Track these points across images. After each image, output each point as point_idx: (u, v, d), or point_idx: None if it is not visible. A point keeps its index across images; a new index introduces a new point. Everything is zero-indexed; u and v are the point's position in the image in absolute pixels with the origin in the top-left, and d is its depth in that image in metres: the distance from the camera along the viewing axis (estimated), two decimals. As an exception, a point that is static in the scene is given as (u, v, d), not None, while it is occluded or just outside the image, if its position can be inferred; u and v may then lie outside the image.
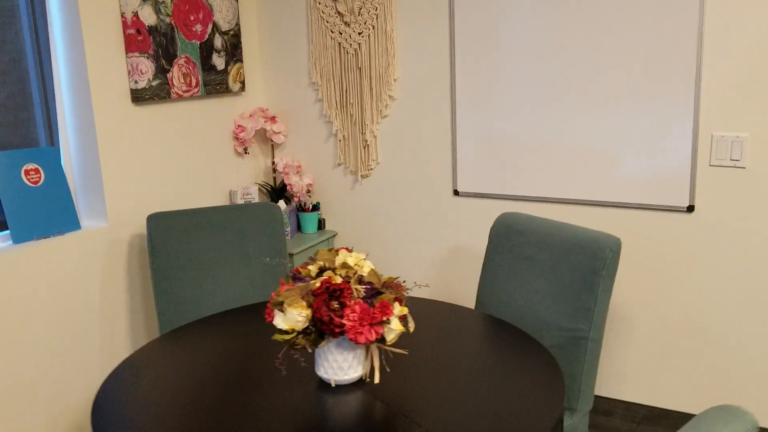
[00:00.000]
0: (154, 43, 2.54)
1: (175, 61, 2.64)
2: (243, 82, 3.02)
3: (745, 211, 2.40)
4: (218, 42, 2.85)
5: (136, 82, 2.49)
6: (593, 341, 2.01)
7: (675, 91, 2.40)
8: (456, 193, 2.88)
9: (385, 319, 1.55)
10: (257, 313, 2.10)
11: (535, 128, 2.66)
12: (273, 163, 3.20)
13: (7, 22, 2.14)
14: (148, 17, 2.51)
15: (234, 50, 2.95)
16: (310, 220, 3.12)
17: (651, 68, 2.42)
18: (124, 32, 2.43)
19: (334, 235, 3.17)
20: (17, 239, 2.23)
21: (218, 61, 2.86)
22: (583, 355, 2.01)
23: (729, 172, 2.40)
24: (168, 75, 2.61)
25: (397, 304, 1.59)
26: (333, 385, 1.64)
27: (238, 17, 2.96)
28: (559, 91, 2.59)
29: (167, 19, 2.59)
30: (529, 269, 2.19)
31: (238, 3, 2.97)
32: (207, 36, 2.79)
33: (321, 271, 1.66)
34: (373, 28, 2.85)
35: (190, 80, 2.72)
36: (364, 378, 1.68)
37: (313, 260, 1.73)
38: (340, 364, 1.64)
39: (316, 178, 3.16)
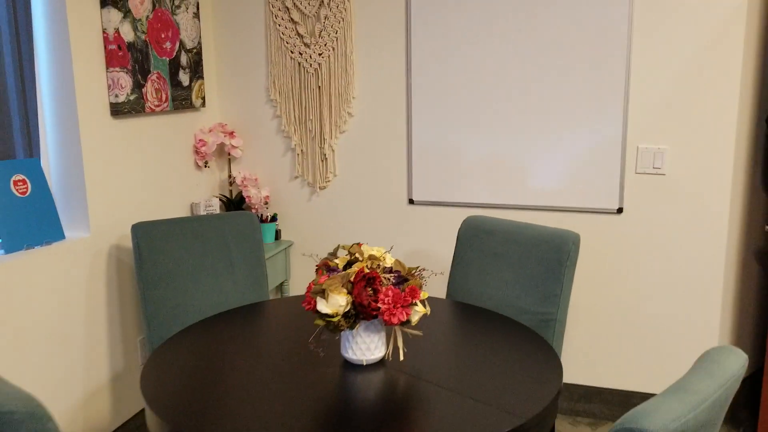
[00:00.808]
0: (132, 58, 2.63)
1: (149, 76, 2.73)
2: (204, 98, 3.14)
3: (665, 212, 2.82)
4: (184, 59, 2.96)
5: (116, 96, 2.56)
6: (560, 322, 2.32)
7: (606, 110, 2.80)
8: (411, 201, 3.13)
9: (413, 302, 1.77)
10: (261, 312, 2.24)
11: (483, 141, 2.97)
12: (230, 176, 3.32)
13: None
14: (127, 34, 2.59)
15: (197, 67, 3.06)
16: (268, 231, 3.26)
17: (586, 90, 2.81)
18: (105, 48, 2.50)
19: (291, 245, 3.33)
20: (8, 249, 2.24)
21: (183, 78, 2.97)
22: (552, 334, 2.31)
23: (652, 178, 2.82)
24: (143, 90, 2.70)
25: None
26: (364, 363, 1.83)
27: (200, 35, 3.08)
28: (504, 108, 2.92)
29: (143, 36, 2.68)
30: (498, 264, 2.47)
31: (200, 22, 3.10)
32: (175, 53, 2.89)
33: (349, 263, 1.85)
34: (333, 49, 3.07)
35: (161, 95, 2.82)
36: (386, 357, 1.88)
37: (334, 255, 1.92)
38: (368, 346, 1.83)
39: (273, 190, 3.31)
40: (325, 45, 3.07)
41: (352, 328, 1.76)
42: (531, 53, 2.84)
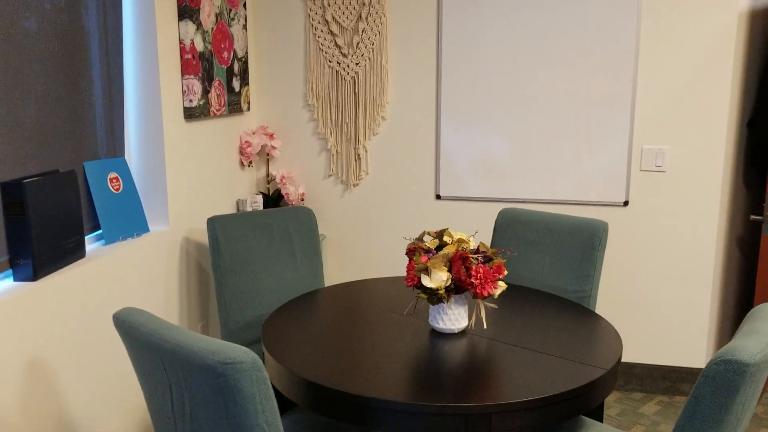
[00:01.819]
0: (202, 67, 2.88)
1: (213, 83, 2.98)
2: (249, 103, 3.40)
3: (666, 204, 3.24)
4: (236, 67, 3.21)
5: (190, 101, 2.81)
6: (593, 299, 2.70)
7: (616, 115, 3.20)
8: (438, 197, 3.47)
9: (499, 277, 2.11)
10: (343, 292, 2.54)
11: (504, 142, 3.33)
12: (268, 174, 3.58)
13: (78, 46, 2.37)
14: (199, 44, 2.84)
15: (244, 74, 3.32)
16: (304, 225, 3.54)
17: (599, 98, 3.20)
18: (182, 57, 2.75)
19: (324, 238, 3.62)
20: (108, 240, 2.47)
21: (235, 84, 3.22)
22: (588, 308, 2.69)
23: (654, 175, 3.24)
24: (209, 95, 2.95)
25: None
26: (457, 332, 2.16)
27: (247, 45, 3.34)
28: (525, 112, 3.29)
29: (209, 46, 2.93)
30: (535, 250, 2.83)
31: (248, 32, 3.35)
32: (230, 62, 3.15)
33: (439, 246, 2.17)
34: (369, 59, 3.38)
35: (221, 100, 3.07)
36: (470, 327, 2.21)
37: (420, 240, 2.24)
38: (456, 317, 2.16)
39: (308, 188, 3.59)
40: (362, 55, 3.38)
41: (448, 299, 2.09)
42: (550, 64, 3.22)
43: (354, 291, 2.58)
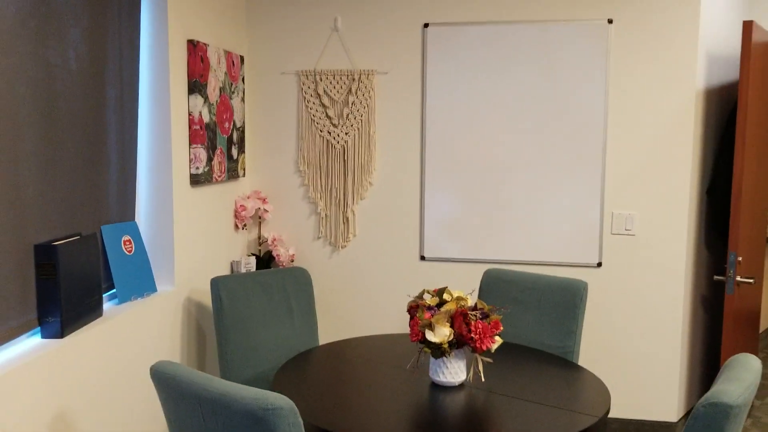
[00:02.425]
0: (207, 137, 3.06)
1: (215, 151, 3.16)
2: (244, 169, 3.58)
3: (636, 265, 3.49)
4: (235, 136, 3.41)
5: (197, 168, 2.97)
6: (576, 353, 2.89)
7: (588, 182, 3.47)
8: (423, 258, 3.66)
9: (497, 332, 2.29)
10: (344, 349, 2.68)
11: (486, 206, 3.56)
12: (260, 237, 3.73)
13: (99, 116, 2.52)
14: (205, 116, 3.03)
15: (241, 143, 3.51)
16: (294, 286, 3.68)
17: (572, 168, 3.48)
18: (190, 127, 2.93)
19: (313, 298, 3.76)
20: (121, 300, 2.58)
21: (234, 152, 3.41)
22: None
23: (624, 238, 3.50)
24: (212, 163, 3.12)
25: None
26: (457, 384, 2.32)
27: (244, 116, 3.54)
28: (503, 182, 3.54)
29: (213, 118, 3.12)
30: (518, 308, 3.03)
31: (245, 104, 3.56)
32: (230, 131, 3.34)
33: (440, 303, 2.35)
34: (358, 129, 3.61)
35: (222, 167, 3.24)
36: (468, 379, 2.38)
37: (421, 298, 2.42)
38: (456, 371, 2.32)
39: (298, 249, 3.75)
40: (351, 125, 3.61)
41: (449, 353, 2.26)
42: (526, 137, 3.49)
43: (352, 347, 2.73)
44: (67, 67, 2.26)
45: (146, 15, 2.77)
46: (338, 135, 3.63)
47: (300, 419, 1.64)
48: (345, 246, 3.72)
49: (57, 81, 2.21)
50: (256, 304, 2.96)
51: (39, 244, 2.11)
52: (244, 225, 3.61)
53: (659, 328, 3.50)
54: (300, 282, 3.12)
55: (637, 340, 3.53)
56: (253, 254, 3.70)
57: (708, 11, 3.42)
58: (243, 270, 3.51)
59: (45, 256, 2.10)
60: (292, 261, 3.71)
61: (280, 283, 3.07)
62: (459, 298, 2.36)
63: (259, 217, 3.70)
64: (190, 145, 2.94)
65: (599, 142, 3.44)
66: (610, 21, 3.37)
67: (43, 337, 2.14)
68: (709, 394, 1.70)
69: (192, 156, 2.95)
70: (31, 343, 2.10)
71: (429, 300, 2.38)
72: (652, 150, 3.41)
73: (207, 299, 3.20)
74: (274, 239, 3.66)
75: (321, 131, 3.65)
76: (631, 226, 3.48)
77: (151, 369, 1.80)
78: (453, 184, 3.59)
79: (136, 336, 2.56)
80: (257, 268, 3.66)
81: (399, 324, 3.72)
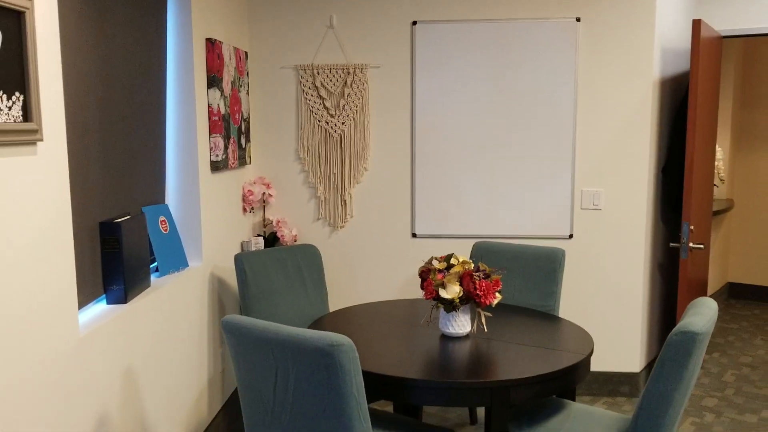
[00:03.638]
0: (224, 127, 3.37)
1: (229, 140, 3.47)
2: (250, 157, 3.89)
3: (602, 236, 3.94)
4: (243, 126, 3.72)
5: (216, 156, 3.29)
6: (556, 311, 3.32)
7: (560, 164, 3.90)
8: (414, 235, 4.04)
9: (498, 289, 2.69)
10: (360, 312, 3.05)
11: (470, 187, 3.96)
12: (264, 219, 4.05)
13: (136, 108, 2.81)
14: (222, 108, 3.34)
15: (248, 133, 3.83)
16: (297, 263, 4.01)
17: (547, 150, 3.90)
18: (210, 118, 3.24)
19: (313, 274, 4.10)
20: (162, 273, 2.89)
21: (243, 141, 3.72)
22: (552, 321, 3.30)
23: (592, 212, 3.94)
24: (228, 151, 3.43)
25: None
26: (464, 335, 2.71)
27: (249, 108, 3.86)
28: (486, 162, 3.94)
29: (228, 110, 3.43)
30: (507, 274, 3.44)
31: (249, 96, 3.87)
32: (240, 122, 3.65)
33: (448, 267, 2.73)
34: (354, 119, 3.96)
35: (235, 155, 3.56)
36: (473, 331, 2.77)
37: (430, 264, 2.80)
38: (463, 323, 2.72)
39: (299, 230, 4.09)
40: (347, 116, 3.96)
41: (459, 308, 2.65)
42: (505, 123, 3.90)
43: (363, 311, 3.09)
44: (114, 67, 2.55)
45: (171, 16, 3.06)
46: (335, 124, 3.98)
47: (357, 354, 2.00)
48: (343, 226, 4.07)
49: (111, 81, 2.51)
50: (275, 277, 3.30)
51: (104, 221, 2.41)
52: (252, 208, 3.93)
53: (623, 291, 3.96)
54: (311, 257, 3.47)
55: (603, 301, 3.98)
56: (259, 235, 4.03)
57: (662, 11, 3.88)
58: (253, 249, 3.82)
59: (110, 232, 2.40)
60: (295, 241, 4.04)
61: (294, 259, 3.41)
62: (464, 262, 2.75)
63: (264, 201, 4.02)
64: (210, 134, 3.25)
65: (570, 127, 3.87)
66: (578, 19, 3.80)
67: (109, 303, 2.44)
68: (679, 325, 2.13)
69: (212, 144, 3.26)
70: (99, 308, 2.40)
71: (437, 265, 2.77)
72: (615, 134, 3.86)
73: (225, 274, 3.52)
74: (278, 221, 3.98)
75: (319, 121, 3.98)
76: (598, 201, 3.93)
77: (223, 321, 2.14)
78: (440, 167, 3.97)
79: (178, 303, 2.87)
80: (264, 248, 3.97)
81: (394, 294, 4.10)
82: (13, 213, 1.71)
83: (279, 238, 3.99)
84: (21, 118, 1.73)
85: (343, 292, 4.12)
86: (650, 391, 2.17)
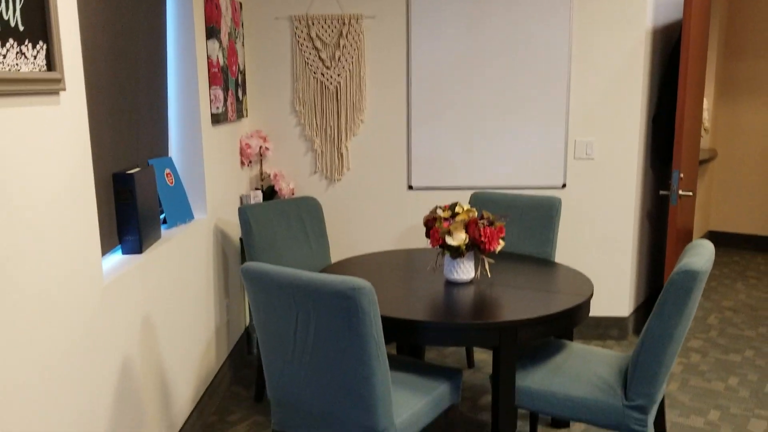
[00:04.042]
0: (222, 78, 3.37)
1: (228, 93, 3.47)
2: (247, 110, 3.89)
3: (594, 185, 4.03)
4: (239, 79, 3.71)
5: (217, 108, 3.29)
6: (553, 257, 3.42)
7: (554, 114, 3.96)
8: (410, 187, 4.10)
9: (502, 236, 2.77)
10: (366, 261, 3.11)
11: (466, 139, 4.02)
12: (261, 172, 4.08)
13: (138, 63, 2.81)
14: (221, 60, 3.33)
15: (244, 85, 3.82)
16: (295, 216, 4.06)
17: (541, 102, 3.95)
18: (209, 70, 3.23)
19: (311, 227, 4.15)
20: (170, 224, 2.92)
21: (240, 94, 3.72)
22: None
23: (585, 162, 4.02)
24: (227, 103, 3.44)
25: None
26: (468, 281, 2.79)
27: (245, 60, 3.84)
28: (482, 114, 3.99)
29: (226, 61, 3.42)
30: (505, 223, 3.52)
31: (245, 48, 3.86)
32: (237, 74, 3.64)
33: (453, 215, 2.80)
34: (349, 71, 3.97)
35: (233, 107, 3.56)
36: (477, 277, 2.86)
37: (435, 212, 2.86)
38: (467, 269, 2.80)
39: (297, 183, 4.12)
40: (343, 67, 3.96)
41: (464, 254, 2.73)
42: (502, 74, 3.94)
43: (366, 260, 3.17)
44: (118, 18, 2.54)
45: (169, -33, 3.03)
46: (331, 77, 3.99)
47: (376, 297, 2.07)
48: (339, 179, 4.12)
49: (115, 33, 2.50)
50: (278, 228, 3.35)
51: (117, 173, 2.43)
52: (249, 162, 3.95)
53: (613, 238, 4.08)
54: (312, 209, 3.51)
55: (595, 248, 4.10)
56: (257, 189, 4.06)
57: (654, -40, 3.91)
58: (252, 202, 3.86)
59: (123, 183, 2.43)
60: (293, 194, 4.08)
61: (296, 211, 3.46)
62: (469, 210, 2.82)
63: (261, 155, 4.04)
64: (210, 87, 3.24)
65: (564, 77, 3.92)
66: (572, -31, 3.82)
67: (124, 253, 2.48)
68: (680, 265, 2.23)
69: (212, 97, 3.26)
70: (116, 258, 2.44)
71: (442, 214, 2.83)
72: (609, 84, 3.92)
73: (227, 227, 3.56)
74: (276, 174, 4.01)
75: (315, 73, 3.99)
76: (590, 151, 4.00)
77: (243, 268, 2.19)
78: (436, 119, 4.01)
79: (187, 255, 2.91)
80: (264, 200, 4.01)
81: (391, 245, 4.18)
82: (40, 162, 1.73)
83: (277, 192, 4.03)
84: (45, 67, 1.74)
85: (341, 244, 4.19)
86: (652, 327, 2.28)
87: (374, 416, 2.16)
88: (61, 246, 1.84)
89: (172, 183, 3.00)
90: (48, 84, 1.75)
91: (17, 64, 1.62)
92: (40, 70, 1.72)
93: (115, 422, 2.17)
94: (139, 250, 2.47)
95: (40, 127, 1.74)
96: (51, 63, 1.76)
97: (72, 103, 1.91)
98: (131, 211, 2.45)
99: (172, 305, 2.73)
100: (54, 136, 1.81)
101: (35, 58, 1.70)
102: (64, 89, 1.83)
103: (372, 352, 2.09)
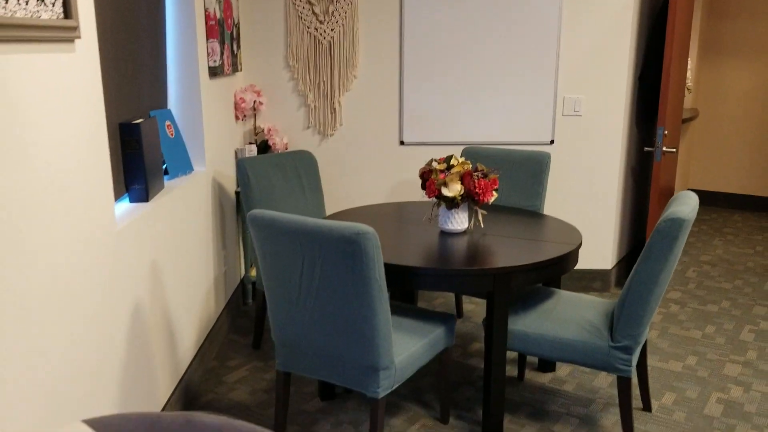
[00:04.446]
0: (219, 32, 3.39)
1: (224, 46, 3.50)
2: (241, 64, 3.92)
3: (581, 142, 4.14)
4: (234, 32, 3.73)
5: (214, 61, 3.33)
6: (540, 211, 3.53)
7: (543, 71, 4.04)
8: (402, 143, 4.18)
9: (495, 187, 2.87)
10: (355, 215, 3.21)
11: (456, 95, 4.09)
12: (255, 127, 4.13)
13: (138, 14, 2.83)
14: (217, 12, 3.36)
15: (238, 39, 3.84)
16: (288, 170, 4.12)
17: (531, 57, 4.02)
18: (207, 23, 3.26)
19: (304, 181, 4.22)
20: (172, 175, 2.98)
21: (234, 47, 3.75)
22: (537, 219, 3.52)
23: (573, 119, 4.12)
24: (223, 56, 3.47)
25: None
26: (462, 231, 2.90)
27: (239, 13, 3.86)
28: (473, 70, 4.06)
29: (222, 14, 3.44)
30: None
31: (238, 2, 3.87)
32: (232, 28, 3.67)
33: (448, 167, 2.89)
34: (343, 26, 4.00)
35: (229, 61, 3.59)
36: (470, 227, 2.97)
37: (430, 165, 2.95)
38: (461, 220, 2.90)
39: (291, 138, 4.18)
40: (336, 22, 3.99)
41: (459, 204, 2.83)
42: (492, 32, 3.99)
43: (360, 213, 3.26)
44: (126, -32, 2.56)
45: None
46: (324, 31, 4.02)
47: (379, 242, 2.17)
48: (332, 134, 4.18)
49: (121, -20, 2.52)
50: (275, 181, 3.42)
51: (123, 122, 2.49)
52: (244, 116, 3.99)
53: (599, 193, 4.20)
54: (308, 163, 3.58)
55: (580, 203, 4.22)
56: (251, 143, 4.11)
57: None
58: (247, 156, 3.91)
59: (130, 133, 2.48)
60: (286, 149, 4.14)
61: (292, 164, 3.53)
62: (464, 163, 2.91)
63: (255, 109, 4.09)
64: (207, 39, 3.27)
65: (554, 36, 3.99)
66: (564, -74, 3.86)
67: (131, 201, 2.54)
68: (667, 213, 2.35)
69: (209, 50, 3.29)
70: (123, 206, 2.50)
71: (438, 166, 2.92)
72: (598, 42, 4.00)
73: (223, 179, 3.62)
74: (270, 129, 4.06)
75: (308, 28, 4.02)
76: (578, 108, 4.10)
77: (249, 215, 2.28)
78: (428, 75, 4.07)
79: (188, 205, 2.98)
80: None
81: (383, 200, 4.27)
82: (57, 109, 1.79)
83: (270, 146, 4.08)
84: (62, 15, 1.79)
85: (334, 197, 4.27)
86: (639, 272, 2.41)
87: (376, 355, 2.28)
88: (78, 191, 1.90)
89: (172, 135, 3.05)
90: (65, 32, 1.79)
91: (38, 11, 1.66)
92: (57, 18, 1.76)
93: (128, 361, 2.26)
94: (145, 198, 2.54)
95: (57, 74, 1.79)
96: (67, 11, 1.81)
97: (86, 52, 1.96)
98: (138, 160, 2.51)
99: (175, 253, 2.81)
100: (70, 84, 1.86)
101: (53, 5, 1.74)
102: (80, 37, 1.87)
103: (375, 294, 2.19)
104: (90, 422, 1.78)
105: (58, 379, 1.77)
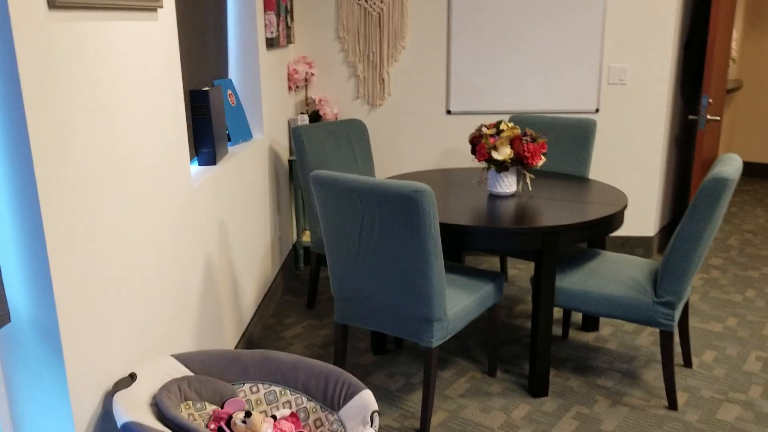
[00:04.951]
0: (275, 4, 3.54)
1: (279, 18, 3.65)
2: (294, 36, 4.07)
3: (626, 110, 4.20)
4: (289, 5, 3.88)
5: (271, 33, 3.48)
6: (586, 175, 3.63)
7: (590, 42, 4.10)
8: (449, 112, 4.29)
9: (544, 151, 2.98)
10: (420, 176, 3.35)
11: (503, 66, 4.18)
12: (306, 97, 4.28)
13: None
14: (274, -14, 3.50)
15: (292, 11, 3.99)
16: (338, 139, 4.27)
17: (577, 29, 4.09)
18: (264, -4, 3.40)
19: (353, 150, 4.37)
20: (234, 141, 3.16)
21: (288, 20, 3.89)
22: (582, 185, 3.62)
23: (618, 87, 4.18)
24: (279, 28, 3.62)
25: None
26: (510, 194, 3.02)
27: (292, -12, 4.00)
28: (521, 41, 4.14)
29: (278, -12, 3.59)
30: (540, 144, 3.72)
31: (292, -23, 4.01)
32: (287, 0, 3.81)
33: (498, 131, 3.01)
34: (391, -2, 4.12)
35: (283, 33, 3.74)
36: (519, 190, 3.09)
37: (480, 130, 3.07)
38: (510, 183, 3.02)
39: (340, 108, 4.33)
40: (385, -5, 4.11)
41: (510, 168, 2.95)
42: (539, 3, 4.07)
43: (411, 177, 3.40)
44: (194, -57, 2.71)
45: None
46: (374, 3, 4.14)
47: (435, 200, 2.31)
48: (381, 104, 4.31)
49: (190, -45, 2.68)
50: (328, 148, 3.58)
51: (193, 90, 2.66)
52: (296, 87, 4.15)
53: (643, 161, 4.27)
54: (359, 131, 3.73)
55: (625, 171, 4.30)
56: (303, 113, 4.27)
57: None
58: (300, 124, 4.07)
59: (199, 99, 2.65)
60: (336, 119, 4.29)
61: (344, 132, 3.68)
62: (513, 128, 3.02)
63: (306, 80, 4.24)
64: (265, 12, 3.42)
65: (600, 5, 4.04)
66: None
67: (200, 164, 2.72)
68: (712, 173, 2.44)
69: (267, 21, 3.44)
70: (194, 168, 2.69)
71: (488, 131, 3.04)
72: (644, 11, 4.04)
73: (278, 147, 3.79)
74: (320, 99, 4.21)
75: (358, 0, 4.14)
76: (624, 76, 4.16)
77: (312, 175, 2.43)
78: (474, 45, 4.17)
79: (249, 170, 3.16)
80: (305, 125, 4.22)
81: (430, 167, 4.40)
82: (144, 75, 1.96)
83: (321, 116, 4.23)
84: (149, -13, 1.95)
85: (383, 165, 4.42)
86: (683, 230, 2.51)
87: (430, 307, 2.43)
88: (163, 149, 2.08)
89: (234, 103, 3.22)
90: (150, 0, 1.96)
91: (130, -17, 1.82)
92: (145, -11, 1.92)
93: (201, 310, 2.45)
94: (213, 161, 2.72)
95: (143, 41, 1.96)
96: (153, -17, 1.97)
97: (166, 20, 2.12)
98: (207, 125, 2.68)
99: (239, 214, 3.00)
100: (154, 49, 2.03)
101: (142, -22, 1.90)
102: (162, 6, 2.04)
103: (430, 249, 2.34)
104: (178, 357, 1.98)
105: (148, 321, 1.96)
